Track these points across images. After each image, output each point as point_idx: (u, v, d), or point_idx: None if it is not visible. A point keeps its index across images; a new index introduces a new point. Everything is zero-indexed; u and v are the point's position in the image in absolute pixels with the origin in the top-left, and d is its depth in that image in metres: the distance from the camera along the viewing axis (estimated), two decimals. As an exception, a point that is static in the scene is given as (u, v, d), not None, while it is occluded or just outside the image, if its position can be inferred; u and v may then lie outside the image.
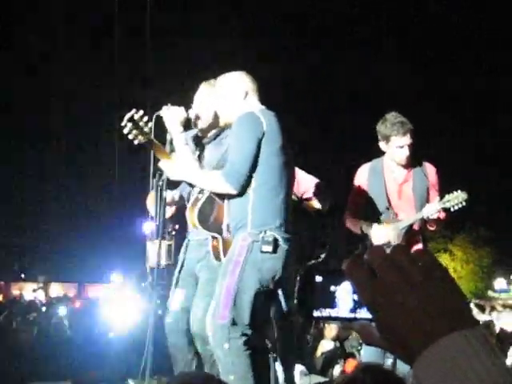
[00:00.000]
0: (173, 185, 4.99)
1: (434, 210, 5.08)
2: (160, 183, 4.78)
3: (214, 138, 4.84)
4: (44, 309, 15.91)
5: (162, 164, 4.55)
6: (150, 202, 5.02)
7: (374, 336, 0.89)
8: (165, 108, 4.63)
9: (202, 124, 4.81)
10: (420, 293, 0.83)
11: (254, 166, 4.12)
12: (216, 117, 4.75)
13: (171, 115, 4.64)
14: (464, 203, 5.04)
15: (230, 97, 4.41)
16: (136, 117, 4.37)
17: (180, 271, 4.88)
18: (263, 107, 4.35)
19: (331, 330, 8.25)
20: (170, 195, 5.07)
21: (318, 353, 7.90)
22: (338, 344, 7.90)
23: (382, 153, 5.42)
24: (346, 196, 5.63)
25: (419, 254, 0.88)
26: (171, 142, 4.71)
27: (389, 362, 6.10)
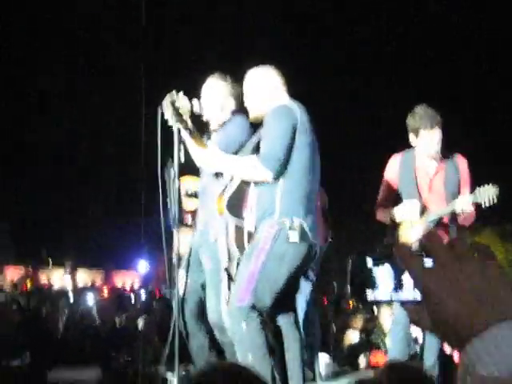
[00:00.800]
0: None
1: (465, 203, 5.03)
2: (172, 174, 4.82)
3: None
4: (72, 296, 16.05)
5: (192, 151, 4.57)
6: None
7: (423, 319, 0.92)
8: (180, 95, 4.59)
9: (207, 115, 4.89)
10: (476, 282, 0.86)
11: (289, 155, 4.18)
12: (222, 109, 4.88)
13: (183, 105, 4.66)
14: (495, 198, 4.99)
15: (260, 91, 4.49)
16: (178, 102, 4.33)
17: (189, 257, 4.96)
18: (293, 100, 4.40)
19: (357, 320, 8.27)
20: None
21: (345, 343, 7.92)
22: (363, 335, 7.91)
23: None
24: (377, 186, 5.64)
25: (477, 246, 0.91)
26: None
27: (416, 349, 6.11)
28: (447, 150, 5.35)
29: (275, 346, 4.36)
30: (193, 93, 4.84)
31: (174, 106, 4.30)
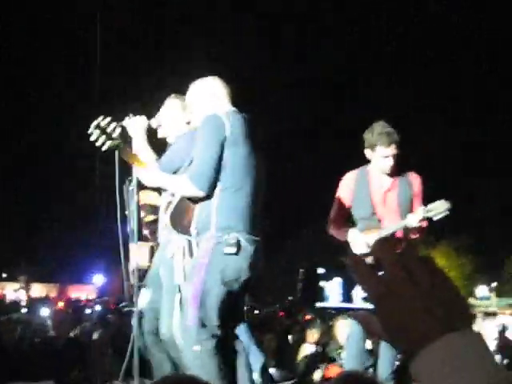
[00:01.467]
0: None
1: (417, 218, 5.13)
2: (131, 188, 4.89)
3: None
4: (26, 309, 15.85)
5: (134, 169, 4.64)
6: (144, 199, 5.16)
7: (373, 327, 0.93)
8: (127, 118, 4.80)
9: (164, 132, 5.06)
10: (424, 292, 0.87)
11: (218, 169, 4.15)
12: (176, 125, 5.00)
13: (134, 124, 4.86)
14: (447, 212, 5.10)
15: (200, 100, 4.49)
16: (102, 124, 4.47)
17: (150, 272, 4.99)
18: (232, 109, 4.38)
19: (313, 334, 8.29)
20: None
21: (300, 356, 7.94)
22: (319, 348, 7.94)
23: (368, 160, 5.49)
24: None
25: (424, 257, 0.92)
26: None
27: (370, 362, 6.16)
28: (401, 168, 5.45)
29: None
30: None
31: (100, 129, 4.43)
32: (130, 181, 4.93)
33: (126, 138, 4.78)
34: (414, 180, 5.47)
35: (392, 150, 5.26)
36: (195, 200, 4.32)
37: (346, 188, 5.56)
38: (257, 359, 5.68)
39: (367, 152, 5.39)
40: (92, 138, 4.50)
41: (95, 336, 7.79)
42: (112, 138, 4.50)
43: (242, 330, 5.38)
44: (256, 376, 5.81)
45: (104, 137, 4.47)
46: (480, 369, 0.80)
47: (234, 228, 4.11)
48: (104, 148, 4.60)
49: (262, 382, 5.72)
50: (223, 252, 4.08)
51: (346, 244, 5.35)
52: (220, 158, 4.14)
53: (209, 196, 4.17)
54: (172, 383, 1.68)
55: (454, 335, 0.83)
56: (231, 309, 4.24)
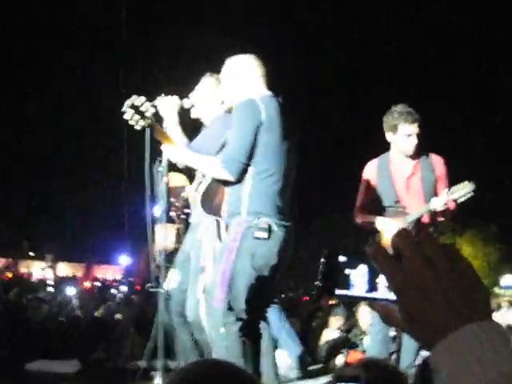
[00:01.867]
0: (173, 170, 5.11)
1: (441, 201, 5.08)
2: (160, 169, 4.88)
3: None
4: (53, 288, 16.00)
5: (164, 147, 4.62)
6: (172, 182, 5.16)
7: (393, 317, 0.93)
8: (159, 98, 4.76)
9: (197, 113, 5.00)
10: (444, 281, 0.86)
11: (251, 154, 4.11)
12: (211, 105, 4.94)
13: (165, 104, 4.83)
14: (471, 193, 5.04)
15: (235, 80, 4.42)
16: (137, 102, 4.44)
17: (180, 253, 5.02)
18: (268, 93, 4.32)
19: (337, 320, 8.29)
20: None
21: (322, 341, 7.94)
22: (342, 334, 7.93)
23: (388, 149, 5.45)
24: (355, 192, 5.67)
25: (445, 245, 0.91)
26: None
27: (392, 348, 6.15)
28: (423, 151, 5.40)
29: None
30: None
31: (134, 108, 4.40)
32: (160, 161, 4.92)
33: (158, 117, 4.78)
34: (437, 162, 5.40)
35: (415, 127, 5.21)
36: (226, 183, 4.31)
37: (369, 177, 5.52)
38: (293, 347, 5.70)
39: (388, 136, 5.34)
40: (125, 117, 4.49)
41: (118, 316, 7.83)
42: (145, 117, 4.48)
43: (273, 315, 5.41)
44: (293, 363, 5.84)
45: (137, 116, 4.46)
46: (500, 359, 0.80)
47: (265, 213, 4.09)
48: (137, 127, 4.60)
49: (298, 369, 5.75)
50: (254, 236, 4.06)
51: (374, 232, 5.33)
52: (254, 144, 4.10)
53: (240, 180, 4.15)
54: (209, 368, 1.67)
55: (474, 326, 0.82)
56: (260, 293, 4.22)
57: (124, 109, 4.46)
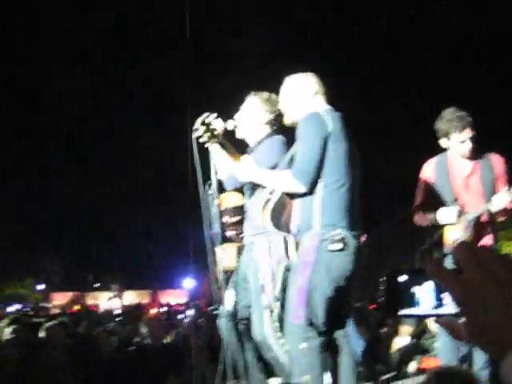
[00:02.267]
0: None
1: (502, 200, 5.03)
2: (210, 192, 4.92)
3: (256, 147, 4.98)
4: (121, 317, 16.16)
5: (232, 166, 4.64)
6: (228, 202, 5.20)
7: (460, 332, 0.91)
8: (197, 121, 4.77)
9: (241, 133, 4.97)
10: (506, 291, 0.84)
11: (320, 165, 4.15)
12: (256, 126, 4.94)
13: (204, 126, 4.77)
14: None
15: (297, 96, 4.48)
16: (208, 120, 4.47)
17: (236, 273, 5.01)
18: (330, 108, 4.39)
19: (406, 328, 8.20)
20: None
21: (393, 349, 7.86)
22: (413, 341, 7.84)
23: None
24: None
25: (504, 256, 0.89)
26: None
27: (464, 351, 6.06)
28: (482, 150, 5.35)
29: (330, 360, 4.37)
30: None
31: (205, 125, 4.43)
32: (210, 184, 4.97)
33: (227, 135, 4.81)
34: (496, 161, 5.35)
35: (467, 133, 5.18)
36: (296, 197, 4.33)
37: (427, 176, 5.49)
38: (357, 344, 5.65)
39: (443, 142, 5.33)
40: (197, 134, 4.55)
41: (193, 343, 7.89)
42: (215, 136, 4.53)
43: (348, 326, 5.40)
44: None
45: (208, 133, 4.50)
46: None
47: (338, 224, 4.11)
48: (208, 145, 4.68)
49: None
50: (329, 249, 4.08)
51: (433, 230, 5.30)
52: (323, 155, 4.15)
53: (310, 193, 4.18)
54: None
55: None
56: (338, 305, 4.24)
57: (196, 126, 4.50)
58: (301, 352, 4.04)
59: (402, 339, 8.00)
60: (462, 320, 0.89)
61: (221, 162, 4.82)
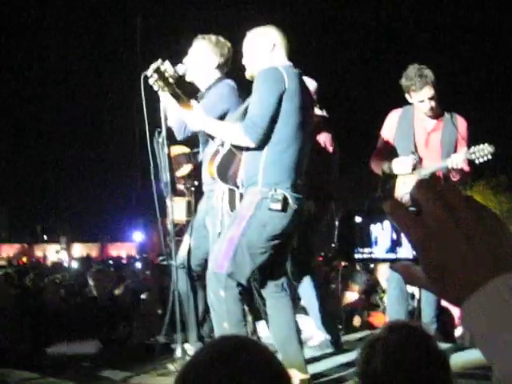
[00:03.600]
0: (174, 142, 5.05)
1: (459, 159, 5.04)
2: (160, 140, 4.84)
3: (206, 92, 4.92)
4: (68, 269, 16.06)
5: (185, 114, 4.53)
6: (174, 152, 5.12)
7: (417, 277, 0.86)
8: (150, 68, 4.65)
9: (192, 77, 4.90)
10: (468, 231, 0.79)
11: (272, 122, 4.10)
12: (206, 70, 4.89)
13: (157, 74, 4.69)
14: (490, 156, 5.00)
15: (257, 49, 4.40)
16: (162, 67, 4.35)
17: (194, 220, 5.02)
18: (289, 64, 4.32)
19: (355, 285, 8.27)
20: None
21: (343, 304, 7.93)
22: (362, 296, 7.92)
23: None
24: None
25: (467, 196, 0.83)
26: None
27: (414, 304, 6.13)
28: (448, 109, 5.37)
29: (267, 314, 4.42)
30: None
31: (158, 72, 4.31)
32: (159, 133, 4.87)
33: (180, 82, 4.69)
34: (461, 123, 5.39)
35: (425, 92, 5.17)
36: (245, 151, 4.29)
37: (390, 125, 5.51)
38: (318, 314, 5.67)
39: (407, 97, 5.34)
40: (150, 82, 4.42)
41: (143, 296, 7.86)
42: (169, 84, 4.41)
43: (306, 283, 5.41)
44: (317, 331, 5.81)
45: (162, 82, 4.38)
46: None
47: (281, 184, 4.10)
48: (160, 92, 4.57)
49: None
50: (269, 207, 4.06)
51: (386, 180, 5.32)
52: (276, 112, 4.10)
53: (259, 148, 4.14)
54: (233, 345, 1.66)
55: (506, 277, 0.75)
56: (269, 263, 4.24)
57: (149, 73, 4.37)
58: (220, 299, 4.07)
59: (352, 294, 8.08)
60: (420, 264, 0.83)
61: (172, 110, 4.73)
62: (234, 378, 1.53)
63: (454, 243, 0.78)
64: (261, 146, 4.12)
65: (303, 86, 4.22)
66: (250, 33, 4.49)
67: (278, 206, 4.04)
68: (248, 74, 4.53)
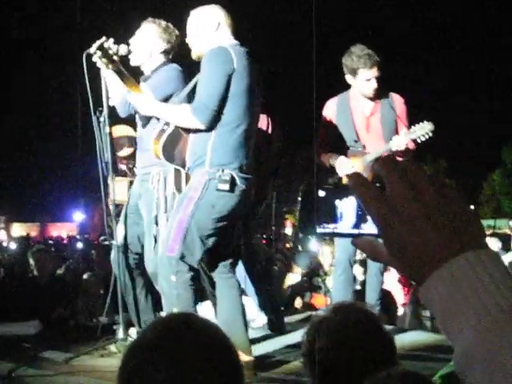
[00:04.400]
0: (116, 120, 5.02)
1: (401, 141, 5.09)
2: (101, 119, 4.79)
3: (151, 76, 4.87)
4: (7, 249, 15.82)
5: (130, 95, 4.48)
6: (116, 133, 5.06)
7: (379, 253, 0.86)
8: (94, 45, 4.59)
9: (136, 60, 4.84)
10: (431, 209, 0.78)
11: (221, 103, 4.08)
12: (151, 53, 4.84)
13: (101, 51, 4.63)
14: (430, 134, 5.06)
15: (201, 28, 4.36)
16: (106, 45, 4.28)
17: (127, 206, 4.97)
18: (236, 42, 4.30)
19: (299, 268, 8.32)
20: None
21: (285, 285, 7.98)
22: (304, 278, 7.97)
23: (348, 86, 5.42)
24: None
25: (431, 174, 0.83)
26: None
27: (356, 288, 6.19)
28: (383, 90, 5.38)
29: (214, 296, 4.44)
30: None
31: (102, 49, 4.24)
32: (101, 111, 4.81)
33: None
34: (397, 101, 5.42)
35: (374, 72, 5.20)
36: (191, 132, 4.26)
37: (328, 115, 5.50)
38: (257, 295, 5.68)
39: (348, 78, 5.33)
40: (93, 59, 4.37)
41: (85, 276, 7.78)
42: (113, 61, 4.34)
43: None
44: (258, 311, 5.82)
45: (106, 59, 4.30)
46: (499, 292, 0.72)
47: (228, 165, 4.10)
48: (104, 70, 4.52)
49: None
50: (216, 188, 4.07)
51: (332, 170, 5.32)
52: (225, 94, 4.08)
53: (207, 129, 4.12)
54: (181, 321, 1.65)
55: (469, 254, 0.75)
56: (218, 244, 4.24)
57: (92, 50, 4.30)
58: (171, 284, 4.06)
59: (295, 276, 8.12)
60: (382, 240, 0.83)
61: (115, 89, 4.67)
62: (183, 354, 1.52)
63: (417, 221, 0.78)
64: (211, 126, 4.10)
65: (252, 65, 4.19)
66: (194, 12, 4.45)
67: (226, 187, 4.05)
68: (194, 55, 4.49)
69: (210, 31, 4.33)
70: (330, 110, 5.51)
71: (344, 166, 5.23)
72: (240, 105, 4.12)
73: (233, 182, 4.08)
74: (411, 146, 5.18)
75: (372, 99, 5.33)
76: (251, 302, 5.85)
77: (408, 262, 0.79)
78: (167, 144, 4.36)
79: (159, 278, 4.18)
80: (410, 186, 0.80)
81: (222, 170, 4.07)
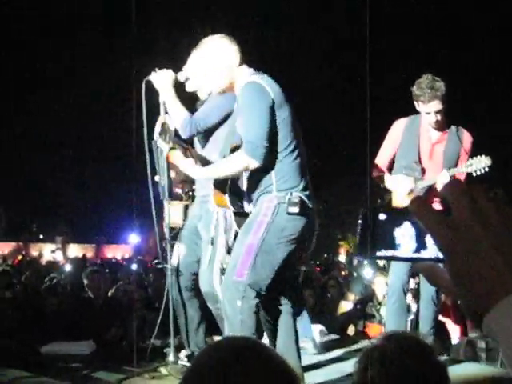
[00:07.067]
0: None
1: (444, 179, 5.04)
2: (158, 145, 4.88)
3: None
4: (63, 269, 16.01)
5: (184, 167, 4.48)
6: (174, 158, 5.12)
7: (441, 279, 0.84)
8: (153, 72, 4.70)
9: (192, 86, 4.86)
10: (498, 237, 0.76)
11: (271, 136, 4.07)
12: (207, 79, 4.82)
13: (160, 78, 4.76)
14: (487, 169, 5.00)
15: (221, 63, 4.28)
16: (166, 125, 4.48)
17: (185, 227, 5.03)
18: (252, 71, 4.27)
19: (352, 295, 8.27)
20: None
21: (338, 313, 7.93)
22: (358, 306, 7.91)
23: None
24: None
25: (499, 202, 0.80)
26: (164, 104, 4.84)
27: (410, 317, 6.11)
28: (454, 122, 5.37)
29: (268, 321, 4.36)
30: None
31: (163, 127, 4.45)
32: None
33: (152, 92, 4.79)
34: (466, 138, 5.40)
35: (433, 106, 5.16)
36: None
37: (395, 134, 5.50)
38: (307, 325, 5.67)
39: (415, 104, 5.32)
40: (158, 144, 4.65)
41: (136, 295, 7.84)
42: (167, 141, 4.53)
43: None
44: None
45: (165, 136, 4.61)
46: None
47: (295, 188, 4.11)
48: (162, 149, 4.80)
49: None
50: (287, 212, 4.05)
51: (386, 189, 5.32)
52: (272, 124, 4.07)
53: (267, 164, 4.10)
54: (241, 345, 1.61)
55: None
56: (286, 269, 4.22)
57: (155, 136, 4.63)
58: (235, 310, 4.01)
59: (348, 304, 8.07)
60: (446, 267, 0.81)
61: (175, 112, 4.78)
62: (244, 378, 1.47)
63: (483, 249, 0.76)
64: (267, 162, 4.09)
65: (279, 88, 4.16)
66: (204, 45, 4.41)
67: (296, 209, 4.04)
68: (207, 90, 4.58)
69: (232, 66, 4.28)
70: (397, 128, 5.52)
71: (402, 185, 5.22)
72: (290, 129, 4.14)
73: (302, 204, 4.07)
74: (462, 178, 5.13)
75: (440, 129, 5.31)
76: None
77: (470, 291, 0.78)
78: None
79: (224, 303, 4.13)
80: (477, 213, 0.78)
81: (291, 194, 4.07)
